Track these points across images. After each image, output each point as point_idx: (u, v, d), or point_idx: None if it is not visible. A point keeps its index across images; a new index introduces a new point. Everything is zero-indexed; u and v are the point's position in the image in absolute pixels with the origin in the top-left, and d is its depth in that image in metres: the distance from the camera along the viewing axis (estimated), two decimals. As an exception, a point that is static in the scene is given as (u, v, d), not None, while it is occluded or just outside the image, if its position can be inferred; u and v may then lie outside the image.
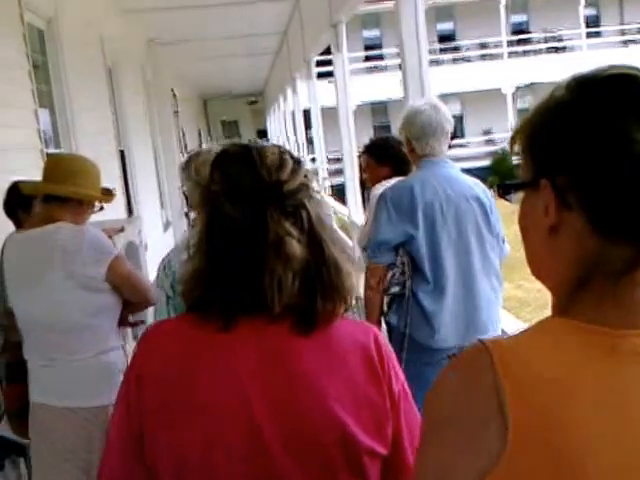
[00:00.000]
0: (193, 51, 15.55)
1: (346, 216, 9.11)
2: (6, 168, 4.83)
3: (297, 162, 1.38)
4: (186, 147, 19.35)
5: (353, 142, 8.23)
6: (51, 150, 8.38)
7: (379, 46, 30.49)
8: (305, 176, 1.37)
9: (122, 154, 9.84)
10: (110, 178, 7.68)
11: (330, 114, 11.79)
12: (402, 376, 1.39)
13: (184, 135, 19.25)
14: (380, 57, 30.15)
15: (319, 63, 12.89)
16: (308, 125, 15.10)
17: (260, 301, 1.29)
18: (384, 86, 24.46)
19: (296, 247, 1.29)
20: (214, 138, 32.91)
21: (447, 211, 3.16)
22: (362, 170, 4.62)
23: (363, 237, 3.89)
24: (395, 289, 3.21)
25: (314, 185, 1.40)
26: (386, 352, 1.38)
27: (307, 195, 1.36)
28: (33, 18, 6.22)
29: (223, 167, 1.38)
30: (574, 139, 0.86)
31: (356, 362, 1.33)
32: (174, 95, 16.45)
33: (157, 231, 12.13)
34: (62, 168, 2.83)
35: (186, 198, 2.66)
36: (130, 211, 9.58)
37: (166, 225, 13.40)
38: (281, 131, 20.39)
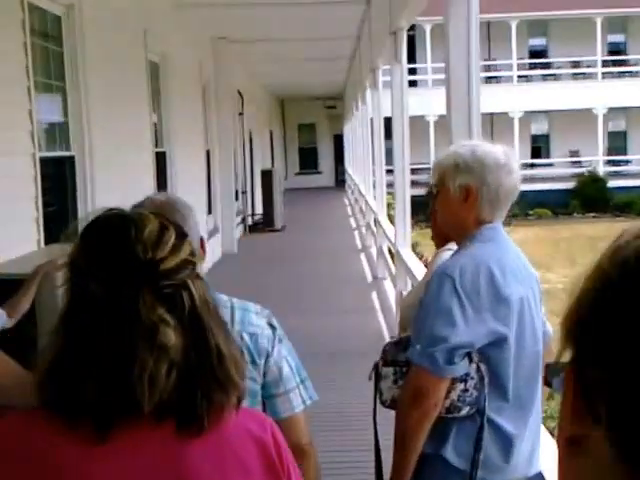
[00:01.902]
0: (268, 51, 14.94)
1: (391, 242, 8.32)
2: None
3: (181, 236, 1.26)
4: (252, 149, 18.76)
5: (406, 159, 7.39)
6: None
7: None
8: (190, 253, 1.26)
9: (160, 156, 9.17)
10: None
11: (417, 123, 10.91)
12: (298, 470, 1.37)
13: (251, 137, 18.64)
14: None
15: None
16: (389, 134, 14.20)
17: (132, 400, 1.16)
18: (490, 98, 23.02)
19: (171, 336, 1.18)
20: (289, 140, 32.40)
21: (530, 299, 2.23)
22: (431, 212, 2.72)
23: (406, 307, 2.78)
24: (464, 410, 2.20)
25: (199, 262, 1.31)
26: (283, 446, 1.34)
27: (191, 274, 1.24)
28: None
29: (91, 238, 1.27)
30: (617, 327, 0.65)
31: (253, 461, 1.28)
32: (240, 96, 15.80)
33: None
34: None
35: None
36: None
37: (213, 232, 12.71)
38: (357, 138, 19.53)
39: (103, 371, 1.18)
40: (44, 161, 5.46)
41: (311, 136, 32.83)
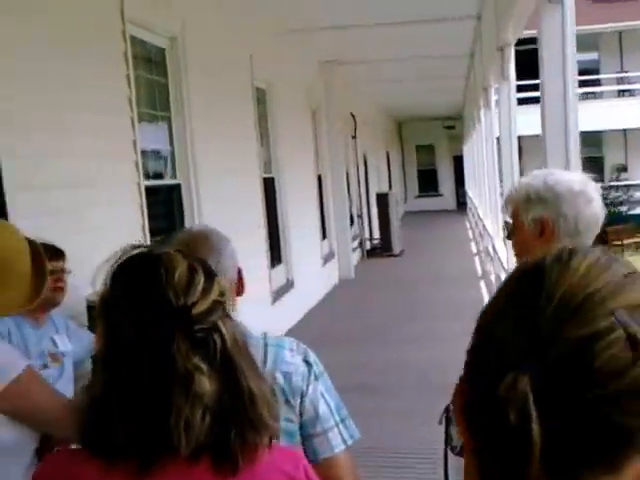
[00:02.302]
0: (381, 72, 14.88)
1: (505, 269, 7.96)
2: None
3: (209, 277, 1.28)
4: (366, 172, 18.70)
5: (516, 180, 7.06)
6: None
7: (595, 71, 28.05)
8: (220, 293, 1.28)
9: (269, 182, 9.21)
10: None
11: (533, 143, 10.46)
12: None
13: (365, 160, 18.59)
14: (597, 82, 27.67)
15: (520, 88, 11.58)
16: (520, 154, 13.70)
17: (169, 444, 1.20)
18: (597, 114, 22.04)
19: (206, 384, 1.20)
20: (407, 162, 32.18)
21: None
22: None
23: None
24: None
25: (229, 301, 1.33)
26: None
27: (221, 315, 1.26)
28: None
29: (123, 280, 1.28)
30: None
31: None
32: (353, 118, 15.79)
33: (313, 266, 11.40)
34: None
35: None
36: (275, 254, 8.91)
37: (328, 257, 12.66)
38: (474, 159, 19.13)
39: (140, 416, 1.21)
40: (150, 190, 5.57)
41: (430, 157, 32.46)
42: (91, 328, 3.64)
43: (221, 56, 7.32)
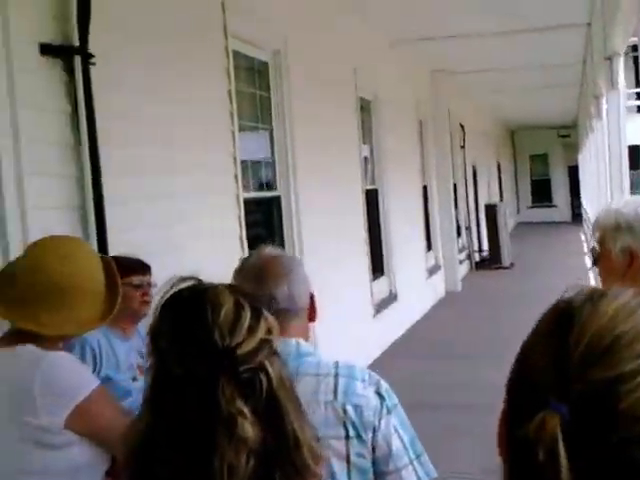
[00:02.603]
0: (492, 81, 14.64)
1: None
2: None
3: (256, 314, 1.26)
4: (475, 183, 18.39)
5: (626, 192, 6.79)
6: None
7: None
8: (267, 330, 1.25)
9: (371, 194, 9.19)
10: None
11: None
12: None
13: (475, 170, 18.29)
14: None
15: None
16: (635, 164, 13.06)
17: None
18: None
19: (249, 429, 1.18)
20: (520, 171, 31.43)
21: None
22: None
23: None
24: None
25: (277, 338, 1.28)
26: None
27: (268, 354, 1.24)
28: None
29: (172, 319, 1.28)
30: None
31: None
32: (462, 128, 15.57)
33: (418, 278, 11.27)
34: (31, 284, 1.97)
35: None
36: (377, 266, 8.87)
37: (433, 269, 12.50)
38: (588, 169, 18.48)
39: (184, 457, 1.20)
40: (249, 201, 5.65)
41: (544, 167, 31.59)
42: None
43: (324, 68, 7.37)
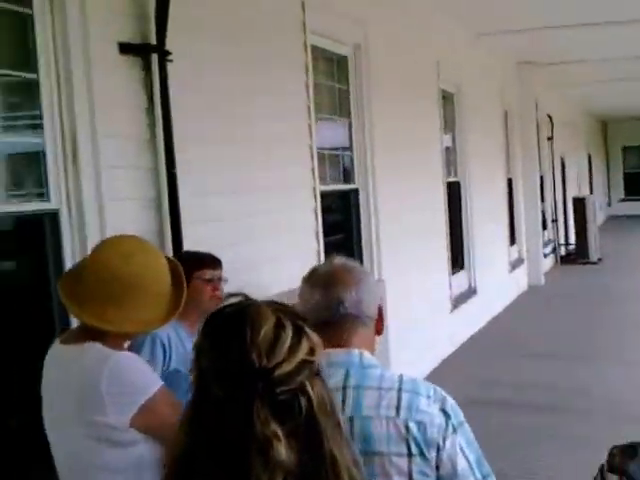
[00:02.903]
0: (584, 72, 14.20)
1: None
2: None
3: (298, 333, 1.24)
4: (564, 175, 17.94)
5: None
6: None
7: None
8: (309, 350, 1.23)
9: (453, 186, 9.09)
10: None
11: None
12: None
13: (563, 162, 17.83)
14: None
15: None
16: None
17: None
18: None
19: (283, 453, 1.17)
20: (612, 164, 30.46)
21: None
22: None
23: None
24: None
25: (320, 358, 1.26)
26: None
27: (309, 374, 1.22)
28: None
29: (212, 337, 1.27)
30: None
31: None
32: (550, 120, 15.19)
33: (499, 272, 11.08)
34: (97, 280, 2.03)
35: None
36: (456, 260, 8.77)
37: (516, 263, 12.28)
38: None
39: (223, 473, 1.20)
40: (326, 194, 5.68)
41: (637, 159, 30.52)
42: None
43: (406, 61, 7.31)
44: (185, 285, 2.22)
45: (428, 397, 1.69)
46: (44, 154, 3.31)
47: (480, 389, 7.07)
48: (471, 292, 9.40)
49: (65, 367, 2.05)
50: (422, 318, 7.45)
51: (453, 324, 8.45)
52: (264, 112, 4.80)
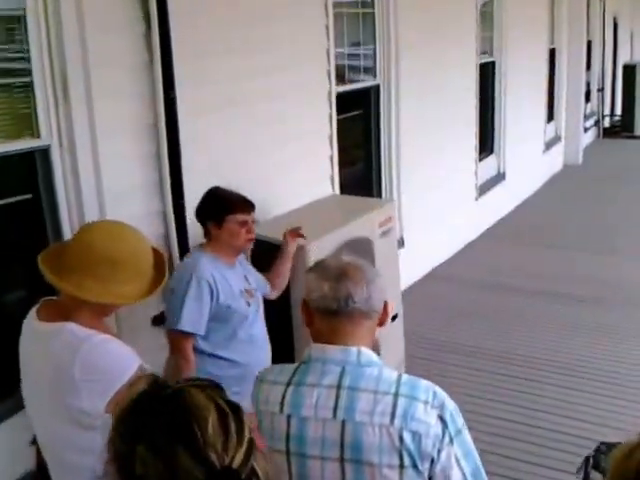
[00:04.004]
0: None
1: None
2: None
3: (236, 413, 1.16)
4: (615, 38, 16.98)
5: None
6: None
7: None
8: (249, 430, 1.16)
9: (486, 67, 8.71)
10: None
11: None
12: None
13: (615, 23, 16.84)
14: None
15: None
16: None
17: None
18: None
19: None
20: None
21: None
22: None
23: None
24: None
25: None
26: None
27: (254, 454, 1.15)
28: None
29: (148, 441, 1.11)
30: None
31: None
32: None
33: (532, 154, 10.76)
34: (81, 255, 2.04)
35: None
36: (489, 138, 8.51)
37: (553, 141, 11.90)
38: None
39: None
40: (343, 96, 5.48)
41: None
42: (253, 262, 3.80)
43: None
44: (166, 272, 2.22)
45: (426, 402, 1.64)
46: (33, 89, 3.22)
47: (496, 276, 7.13)
48: (499, 177, 9.21)
49: (41, 347, 2.06)
50: (444, 210, 7.38)
51: (477, 213, 8.35)
52: (276, 13, 4.55)
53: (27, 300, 3.21)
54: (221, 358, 3.19)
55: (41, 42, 3.20)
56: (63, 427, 2.02)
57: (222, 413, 1.15)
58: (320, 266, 1.83)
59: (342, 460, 1.64)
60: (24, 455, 2.34)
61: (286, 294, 3.77)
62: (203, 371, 3.07)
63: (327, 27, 5.17)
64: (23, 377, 2.16)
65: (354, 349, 1.71)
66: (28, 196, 3.32)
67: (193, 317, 3.07)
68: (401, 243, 6.16)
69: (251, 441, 1.17)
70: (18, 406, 2.68)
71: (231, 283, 3.19)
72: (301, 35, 4.90)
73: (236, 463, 1.13)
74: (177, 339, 3.10)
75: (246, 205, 3.28)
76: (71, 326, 2.00)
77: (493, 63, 8.90)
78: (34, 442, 2.27)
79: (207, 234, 3.30)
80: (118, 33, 3.49)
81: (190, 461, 1.10)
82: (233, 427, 1.15)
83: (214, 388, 1.21)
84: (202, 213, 3.31)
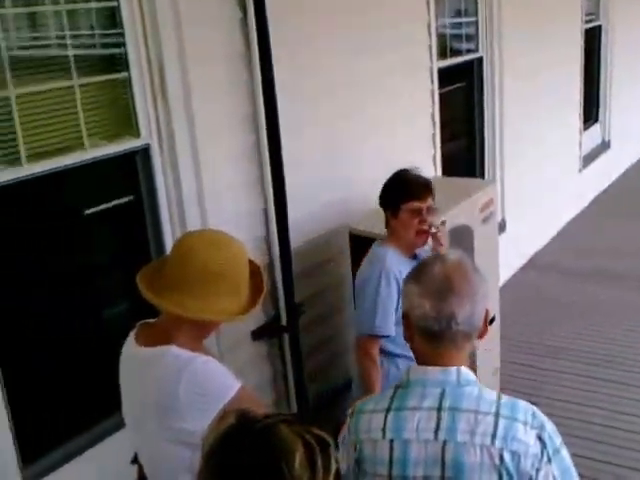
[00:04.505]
0: None
1: None
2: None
3: (325, 450, 1.17)
4: None
5: None
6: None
7: None
8: (336, 461, 1.18)
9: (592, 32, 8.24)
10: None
11: None
12: None
13: None
14: None
15: None
16: None
17: None
18: None
19: None
20: None
21: None
22: None
23: None
24: None
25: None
26: None
27: None
28: None
29: (236, 473, 1.16)
30: None
31: None
32: None
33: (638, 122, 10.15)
34: (179, 270, 1.97)
35: None
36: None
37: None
38: None
39: None
40: (444, 71, 5.24)
41: None
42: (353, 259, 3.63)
43: None
44: (264, 287, 2.08)
45: (525, 423, 1.63)
46: (131, 85, 3.09)
47: (599, 259, 6.75)
48: (604, 146, 8.75)
49: (142, 372, 2.01)
50: (547, 183, 7.04)
51: (580, 184, 7.96)
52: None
53: (130, 312, 3.15)
54: (407, 358, 3.06)
55: (137, 35, 3.07)
56: (168, 447, 1.97)
57: (309, 448, 1.17)
58: (422, 274, 1.72)
59: (443, 478, 1.65)
60: (125, 473, 2.27)
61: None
62: (388, 372, 2.95)
63: (427, 1, 4.91)
64: (124, 399, 2.13)
65: (453, 369, 1.69)
66: (130, 198, 3.21)
67: (384, 320, 2.91)
68: (502, 227, 5.89)
69: (337, 472, 1.19)
70: (118, 425, 2.70)
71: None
72: (402, 11, 4.65)
73: None
74: (367, 342, 2.96)
75: (420, 190, 2.97)
76: (173, 349, 1.95)
77: (599, 27, 8.41)
78: (135, 461, 2.25)
79: (387, 225, 3.07)
80: (213, 23, 3.33)
81: None
82: (320, 461, 1.17)
83: (301, 423, 1.22)
84: (381, 201, 3.08)
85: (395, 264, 2.92)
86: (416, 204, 2.93)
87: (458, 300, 1.65)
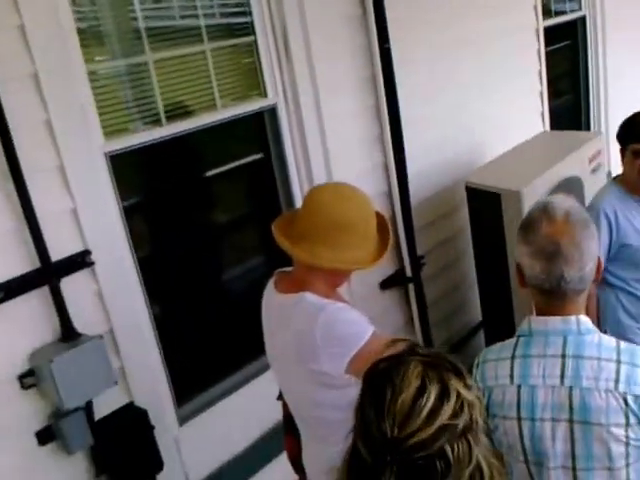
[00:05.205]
0: None
1: None
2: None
3: (442, 396, 1.21)
4: None
5: None
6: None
7: None
8: (453, 413, 1.20)
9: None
10: None
11: None
12: None
13: None
14: None
15: None
16: None
17: None
18: None
19: None
20: None
21: None
22: None
23: None
24: None
25: (471, 415, 1.23)
26: None
27: (451, 437, 1.19)
28: None
29: (362, 397, 1.28)
30: None
31: None
32: None
33: None
34: (311, 221, 2.05)
35: None
36: None
37: None
38: None
39: None
40: (548, 30, 5.22)
41: None
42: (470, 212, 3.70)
43: None
44: (391, 236, 2.18)
45: None
46: (257, 48, 3.27)
47: None
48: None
49: (282, 316, 2.13)
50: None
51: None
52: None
53: (266, 263, 3.33)
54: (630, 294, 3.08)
55: (261, 3, 3.23)
56: (307, 388, 2.09)
57: (422, 391, 1.20)
58: (530, 235, 1.74)
59: (571, 421, 1.74)
60: (273, 407, 2.44)
61: (503, 252, 3.62)
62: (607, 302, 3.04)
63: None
64: (268, 344, 2.25)
65: (573, 318, 1.76)
66: (260, 156, 3.39)
67: None
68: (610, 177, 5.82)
69: (451, 426, 1.19)
70: (263, 368, 2.90)
71: (634, 222, 3.00)
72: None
73: (413, 441, 1.18)
74: None
75: None
76: (309, 296, 2.04)
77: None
78: (280, 397, 2.38)
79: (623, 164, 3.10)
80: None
81: (373, 423, 1.22)
82: (427, 407, 1.19)
83: (442, 364, 1.26)
84: (618, 139, 3.09)
85: (613, 201, 2.95)
86: (638, 146, 2.98)
87: (566, 263, 1.71)
